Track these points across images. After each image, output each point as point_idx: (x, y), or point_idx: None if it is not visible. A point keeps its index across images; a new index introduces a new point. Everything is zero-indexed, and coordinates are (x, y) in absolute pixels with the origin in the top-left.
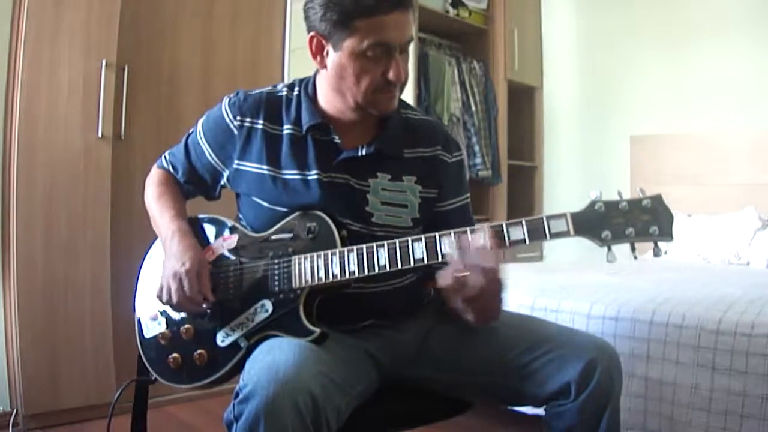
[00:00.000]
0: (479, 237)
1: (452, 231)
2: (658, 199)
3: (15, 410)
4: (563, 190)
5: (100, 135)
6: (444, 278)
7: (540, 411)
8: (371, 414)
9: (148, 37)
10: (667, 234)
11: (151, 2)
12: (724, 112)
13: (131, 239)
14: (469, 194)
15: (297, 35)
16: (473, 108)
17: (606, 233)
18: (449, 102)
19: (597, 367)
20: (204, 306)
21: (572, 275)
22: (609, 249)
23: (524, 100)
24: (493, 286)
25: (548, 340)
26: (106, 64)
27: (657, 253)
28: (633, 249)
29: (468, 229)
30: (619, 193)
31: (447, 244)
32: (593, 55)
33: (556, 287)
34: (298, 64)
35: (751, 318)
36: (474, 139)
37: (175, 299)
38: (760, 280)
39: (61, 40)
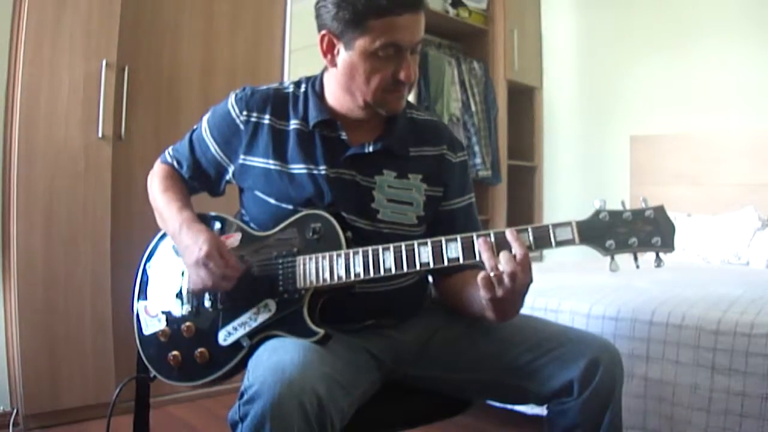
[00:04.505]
0: (514, 240)
1: (458, 236)
2: (660, 210)
3: (15, 410)
4: (563, 190)
5: (100, 135)
6: (479, 276)
7: (539, 411)
8: (371, 414)
9: (148, 37)
10: (668, 245)
11: (151, 2)
12: (724, 112)
13: (131, 239)
14: (473, 194)
15: (297, 36)
16: (473, 108)
17: (610, 242)
18: (449, 102)
19: (599, 366)
20: (236, 278)
21: (572, 275)
22: (612, 258)
23: (524, 100)
24: (522, 289)
25: (551, 338)
26: (107, 64)
27: (658, 263)
28: (635, 259)
29: (474, 234)
30: (623, 203)
31: (480, 243)
32: (593, 55)
33: (556, 287)
34: (298, 64)
35: (751, 318)
36: (474, 139)
37: (210, 283)
38: (760, 280)
39: (62, 41)
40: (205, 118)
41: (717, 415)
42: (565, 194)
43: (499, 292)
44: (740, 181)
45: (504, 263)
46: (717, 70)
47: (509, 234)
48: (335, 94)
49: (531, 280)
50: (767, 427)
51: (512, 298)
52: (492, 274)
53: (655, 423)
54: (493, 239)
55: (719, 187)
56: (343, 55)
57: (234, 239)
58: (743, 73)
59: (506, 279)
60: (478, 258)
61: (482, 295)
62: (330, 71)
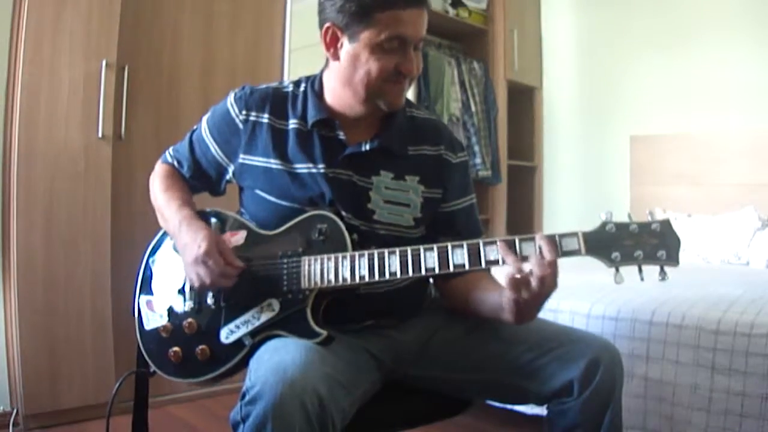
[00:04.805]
0: (546, 245)
1: (464, 242)
2: (666, 224)
3: (15, 410)
4: (563, 190)
5: (100, 135)
6: (506, 277)
7: (539, 411)
8: (372, 414)
9: (148, 37)
10: (673, 259)
11: (151, 2)
12: (724, 112)
13: (131, 240)
14: (474, 195)
15: (297, 35)
16: (473, 108)
17: (616, 254)
18: (449, 102)
19: (600, 366)
20: (236, 275)
21: (572, 275)
22: (617, 270)
23: (524, 100)
24: (548, 293)
25: (551, 338)
26: (106, 64)
27: (663, 277)
28: (640, 271)
29: (480, 240)
30: (629, 216)
31: (496, 249)
32: (593, 55)
33: None
34: (298, 64)
35: (751, 318)
36: (474, 139)
37: (208, 281)
38: (760, 280)
39: (61, 40)
40: (204, 119)
41: (717, 415)
42: (565, 194)
43: (525, 295)
44: (740, 181)
45: (535, 267)
46: (717, 70)
47: (541, 239)
48: (335, 91)
49: (556, 286)
50: (767, 427)
51: (535, 302)
52: (518, 276)
53: (655, 423)
54: (537, 244)
55: (719, 187)
56: (347, 48)
57: (239, 237)
58: (743, 73)
59: (535, 282)
60: (484, 265)
61: (508, 295)
62: (331, 67)
